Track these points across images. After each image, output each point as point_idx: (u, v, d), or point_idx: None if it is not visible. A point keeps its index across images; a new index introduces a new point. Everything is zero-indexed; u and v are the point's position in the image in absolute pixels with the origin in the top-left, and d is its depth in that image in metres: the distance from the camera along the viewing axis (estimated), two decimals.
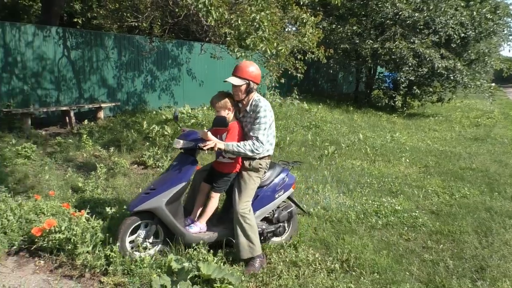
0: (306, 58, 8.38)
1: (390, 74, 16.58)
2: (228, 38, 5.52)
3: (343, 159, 7.67)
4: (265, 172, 3.60)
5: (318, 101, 15.41)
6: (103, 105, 9.37)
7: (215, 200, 3.61)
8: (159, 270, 3.13)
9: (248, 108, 3.49)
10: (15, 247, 3.52)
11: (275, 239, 3.94)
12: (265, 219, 3.81)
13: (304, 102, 13.61)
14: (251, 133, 3.37)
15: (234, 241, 3.44)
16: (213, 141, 3.24)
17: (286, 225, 3.99)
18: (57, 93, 8.99)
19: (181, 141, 3.32)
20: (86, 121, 8.65)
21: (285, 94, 15.81)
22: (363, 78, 17.69)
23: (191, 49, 12.08)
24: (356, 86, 18.47)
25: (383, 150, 8.65)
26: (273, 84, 7.24)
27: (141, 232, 3.42)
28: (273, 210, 3.81)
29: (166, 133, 7.79)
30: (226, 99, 3.44)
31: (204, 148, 3.20)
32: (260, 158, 3.48)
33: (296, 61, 7.93)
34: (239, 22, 5.14)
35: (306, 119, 11.48)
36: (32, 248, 3.49)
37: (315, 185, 5.83)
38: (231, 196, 3.54)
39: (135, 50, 10.32)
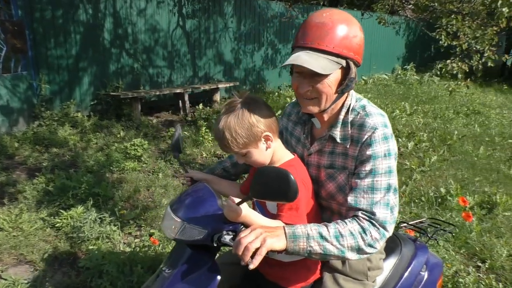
0: None
1: None
2: None
3: None
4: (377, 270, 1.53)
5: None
6: (220, 85, 7.86)
7: None
8: None
9: (337, 133, 1.37)
10: None
11: None
12: None
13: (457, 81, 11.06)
14: (349, 198, 1.29)
15: None
16: (255, 231, 1.13)
17: None
18: (169, 72, 7.62)
19: (178, 220, 1.24)
20: (200, 105, 7.17)
21: (418, 68, 13.42)
22: None
23: None
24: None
25: None
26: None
27: None
28: None
29: None
30: (247, 120, 1.28)
31: (237, 251, 1.10)
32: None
33: None
34: None
35: (457, 102, 9.37)
36: None
37: None
38: None
39: (256, 18, 8.57)
